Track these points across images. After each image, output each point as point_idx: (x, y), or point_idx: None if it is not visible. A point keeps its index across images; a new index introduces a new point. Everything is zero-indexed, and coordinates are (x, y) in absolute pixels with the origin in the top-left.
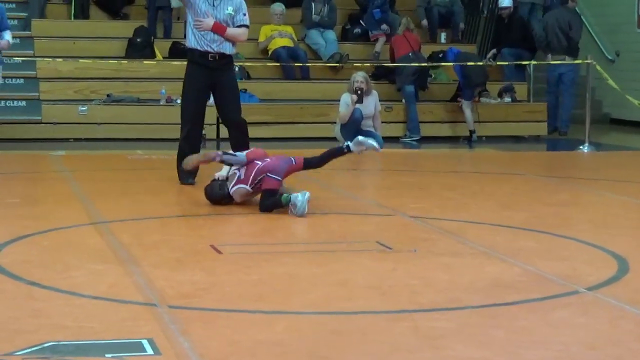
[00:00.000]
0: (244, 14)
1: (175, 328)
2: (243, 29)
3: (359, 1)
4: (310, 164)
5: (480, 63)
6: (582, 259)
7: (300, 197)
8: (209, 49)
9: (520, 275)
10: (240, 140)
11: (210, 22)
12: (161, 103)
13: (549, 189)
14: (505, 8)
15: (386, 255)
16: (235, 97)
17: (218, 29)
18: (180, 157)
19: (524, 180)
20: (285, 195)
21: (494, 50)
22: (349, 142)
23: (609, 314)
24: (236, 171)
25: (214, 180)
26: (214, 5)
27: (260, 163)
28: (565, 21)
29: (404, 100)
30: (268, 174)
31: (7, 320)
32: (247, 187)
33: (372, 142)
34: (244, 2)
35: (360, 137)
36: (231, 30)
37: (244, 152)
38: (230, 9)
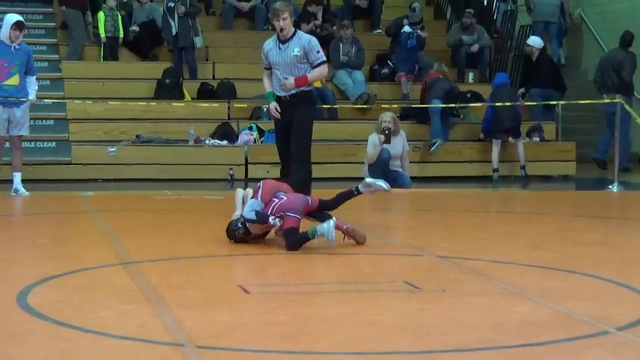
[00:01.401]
0: (317, 52)
1: None
2: (321, 67)
3: (389, 33)
4: (325, 205)
5: (517, 103)
6: (612, 299)
7: (326, 226)
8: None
9: (550, 316)
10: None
11: (291, 81)
12: (190, 144)
13: (578, 228)
14: (531, 47)
15: (414, 296)
16: (296, 134)
17: (300, 83)
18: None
19: (552, 220)
20: (311, 228)
21: (522, 90)
22: (359, 185)
23: None
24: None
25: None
26: (280, 48)
27: (277, 200)
28: (618, 61)
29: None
30: (287, 212)
31: None
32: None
33: (381, 183)
34: (313, 40)
35: (368, 179)
36: (312, 75)
37: (258, 194)
38: (296, 50)
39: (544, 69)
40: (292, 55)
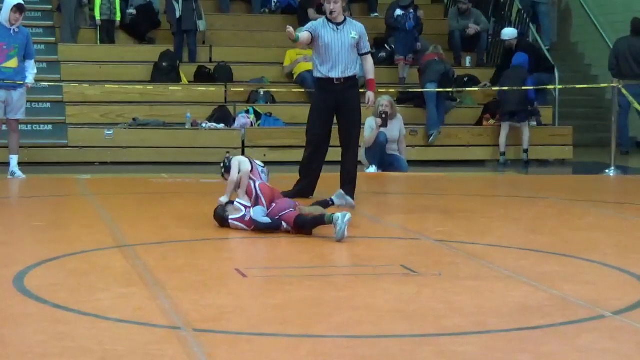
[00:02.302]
0: (367, 40)
1: (200, 351)
2: (370, 57)
3: (387, 23)
4: (302, 224)
5: (550, 87)
6: (608, 283)
7: (340, 219)
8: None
9: (546, 300)
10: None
11: (372, 97)
12: (187, 127)
13: (574, 213)
14: (508, 40)
15: (411, 279)
16: (352, 118)
17: (373, 87)
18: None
19: (549, 204)
20: (328, 215)
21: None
22: (332, 197)
23: (636, 338)
24: (242, 209)
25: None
26: (337, 29)
27: (273, 205)
28: (636, 48)
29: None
30: (285, 212)
31: (33, 343)
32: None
33: (350, 200)
34: (364, 28)
35: (342, 191)
36: (370, 74)
37: (260, 200)
38: (354, 34)
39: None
40: (350, 38)
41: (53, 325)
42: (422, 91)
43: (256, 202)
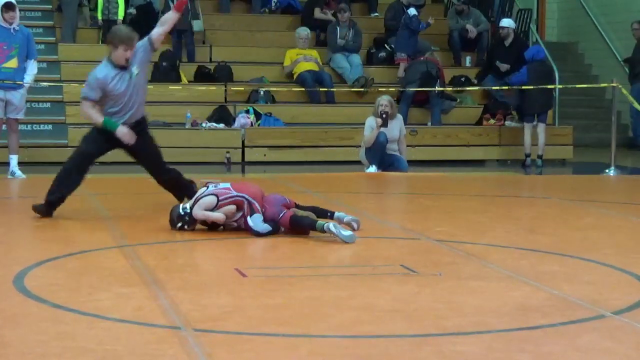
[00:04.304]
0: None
1: (200, 351)
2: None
3: (387, 24)
4: (296, 221)
5: (550, 87)
6: (608, 283)
7: (333, 229)
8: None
9: (546, 300)
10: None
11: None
12: (187, 127)
13: (574, 212)
14: (504, 28)
15: (411, 279)
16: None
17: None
18: None
19: (549, 204)
20: (320, 222)
21: (507, 66)
22: (330, 223)
23: (636, 338)
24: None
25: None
26: (131, 77)
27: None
28: None
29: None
30: (281, 214)
31: (32, 343)
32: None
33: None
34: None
35: (336, 221)
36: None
37: (255, 206)
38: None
39: (516, 52)
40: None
41: (53, 325)
42: (421, 91)
43: (250, 209)
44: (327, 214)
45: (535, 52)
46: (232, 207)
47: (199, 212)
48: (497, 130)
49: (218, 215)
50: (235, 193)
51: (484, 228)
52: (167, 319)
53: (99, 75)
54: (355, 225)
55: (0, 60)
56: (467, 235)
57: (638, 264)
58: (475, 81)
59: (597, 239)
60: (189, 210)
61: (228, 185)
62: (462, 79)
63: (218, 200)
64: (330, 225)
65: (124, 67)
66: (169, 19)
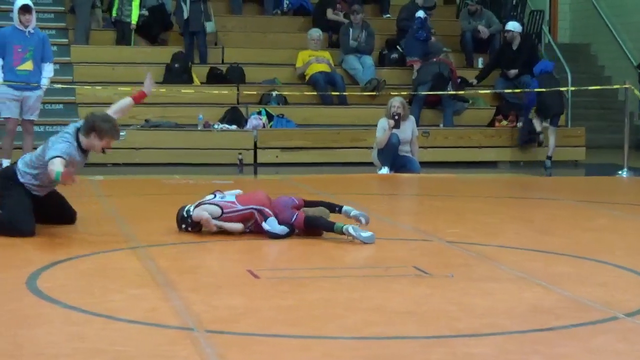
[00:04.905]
0: None
1: (212, 353)
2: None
3: (398, 25)
4: (310, 222)
5: (563, 89)
6: (621, 285)
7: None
8: None
9: (559, 301)
10: None
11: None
12: (199, 128)
13: (587, 214)
14: (509, 32)
15: (423, 281)
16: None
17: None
18: None
19: (562, 206)
20: (338, 224)
21: (515, 71)
22: (350, 226)
23: None
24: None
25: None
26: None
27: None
28: None
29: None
30: (293, 217)
31: (45, 344)
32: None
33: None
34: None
35: (344, 215)
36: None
37: (266, 211)
38: None
39: (525, 55)
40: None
41: (65, 326)
42: (433, 94)
43: (262, 215)
44: (335, 209)
45: (544, 67)
46: (239, 226)
47: (213, 222)
48: (510, 132)
49: (232, 226)
50: (241, 207)
51: (496, 229)
52: (180, 320)
53: (65, 148)
54: (363, 220)
55: (15, 62)
56: (479, 237)
57: None
58: (475, 81)
59: (610, 240)
60: (192, 213)
61: (233, 198)
62: (473, 83)
63: (222, 213)
64: (350, 228)
65: (85, 152)
66: (125, 105)
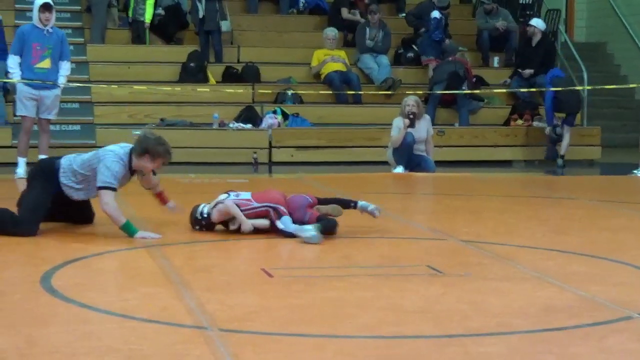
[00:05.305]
0: None
1: (226, 351)
2: None
3: (412, 24)
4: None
5: (579, 88)
6: (636, 284)
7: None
8: None
9: (573, 300)
10: None
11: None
12: (214, 127)
13: (602, 213)
14: (530, 26)
15: (437, 280)
16: None
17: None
18: None
19: (577, 205)
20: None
21: (530, 71)
22: (358, 203)
23: None
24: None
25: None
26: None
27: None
28: None
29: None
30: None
31: (59, 343)
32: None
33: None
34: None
35: (360, 210)
36: None
37: (281, 209)
38: None
39: (542, 55)
40: None
41: (80, 324)
42: (448, 93)
43: (277, 214)
44: (351, 204)
45: (554, 74)
46: (265, 222)
47: (240, 214)
48: (525, 131)
49: (258, 223)
50: (257, 204)
51: (511, 229)
52: (194, 319)
53: (118, 170)
54: (377, 213)
55: (34, 60)
56: (494, 236)
57: None
58: (508, 80)
59: (625, 240)
60: (206, 215)
61: (249, 196)
62: (474, 80)
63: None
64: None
65: (133, 173)
66: (153, 182)
